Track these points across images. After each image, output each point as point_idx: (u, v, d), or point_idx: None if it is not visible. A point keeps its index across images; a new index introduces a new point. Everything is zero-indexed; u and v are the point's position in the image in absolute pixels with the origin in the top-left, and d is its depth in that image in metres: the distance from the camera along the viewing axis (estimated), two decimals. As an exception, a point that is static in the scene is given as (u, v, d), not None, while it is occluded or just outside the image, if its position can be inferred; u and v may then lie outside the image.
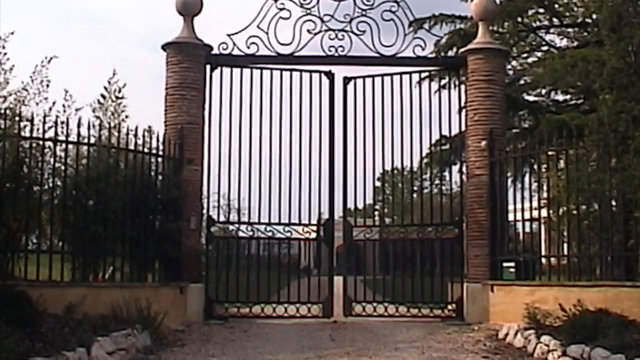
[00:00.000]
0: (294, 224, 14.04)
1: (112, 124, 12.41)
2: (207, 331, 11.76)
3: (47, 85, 11.25)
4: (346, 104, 14.23)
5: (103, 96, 12.85)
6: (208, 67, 13.95)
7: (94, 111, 12.66)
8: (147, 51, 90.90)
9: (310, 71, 14.22)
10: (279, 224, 13.96)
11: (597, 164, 11.90)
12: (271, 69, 14.10)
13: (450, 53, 20.36)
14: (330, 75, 14.26)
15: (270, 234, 13.95)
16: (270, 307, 13.64)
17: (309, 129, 14.11)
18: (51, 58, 11.37)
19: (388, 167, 14.70)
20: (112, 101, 12.86)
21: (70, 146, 11.24)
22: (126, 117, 12.93)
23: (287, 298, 13.89)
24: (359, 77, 14.32)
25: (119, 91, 12.91)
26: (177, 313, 12.30)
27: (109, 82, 12.89)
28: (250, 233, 13.87)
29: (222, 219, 13.96)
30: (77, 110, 11.55)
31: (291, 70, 14.18)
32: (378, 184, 16.04)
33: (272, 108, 14.03)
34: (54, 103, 11.31)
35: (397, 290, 14.07)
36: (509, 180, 14.19)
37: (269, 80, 14.09)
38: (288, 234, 14.07)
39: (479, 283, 13.13)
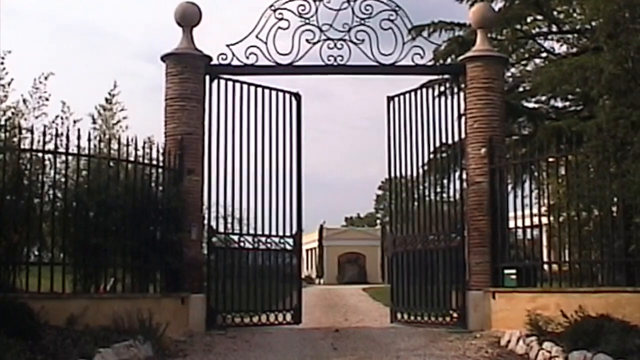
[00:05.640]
0: (288, 236, 14.33)
1: (113, 135, 12.45)
2: (209, 341, 11.76)
3: (47, 99, 11.31)
4: (389, 120, 14.82)
5: (103, 107, 12.89)
6: (207, 77, 13.98)
7: (94, 122, 12.73)
8: (144, 62, 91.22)
9: (284, 91, 14.63)
10: (277, 235, 14.26)
11: (597, 170, 11.89)
12: (255, 86, 14.35)
13: (448, 60, 20.35)
14: (297, 97, 14.69)
15: (269, 245, 14.19)
16: (256, 316, 13.97)
17: (282, 143, 14.50)
18: (48, 75, 11.43)
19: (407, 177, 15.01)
20: (111, 112, 12.91)
21: (70, 158, 11.27)
22: (126, 127, 13.04)
23: (269, 307, 14.10)
24: (398, 94, 14.80)
25: (111, 102, 12.98)
26: (179, 323, 12.30)
27: (110, 94, 12.97)
28: (242, 244, 14.01)
29: (221, 229, 13.96)
30: (75, 122, 11.60)
31: (270, 88, 14.50)
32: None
33: (257, 123, 14.32)
34: (56, 117, 11.36)
35: (416, 298, 14.15)
36: (509, 187, 14.19)
37: (253, 95, 14.37)
38: (282, 245, 14.33)
39: (481, 290, 13.13)
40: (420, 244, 14.31)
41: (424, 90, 14.66)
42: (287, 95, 14.67)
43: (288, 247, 14.40)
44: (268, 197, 14.20)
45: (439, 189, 14.87)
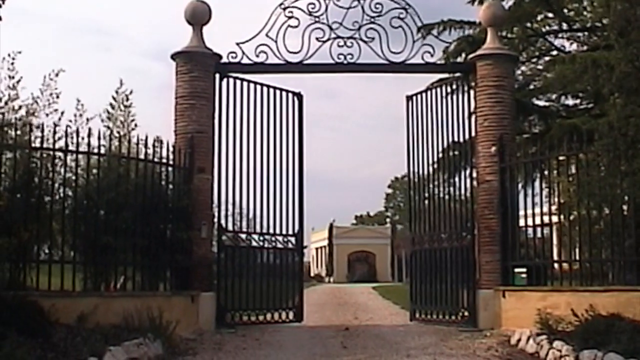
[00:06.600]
0: (291, 235, 14.41)
1: (122, 134, 12.47)
2: (219, 339, 11.78)
3: (57, 97, 11.30)
4: (409, 119, 14.86)
5: (112, 105, 12.89)
6: (217, 75, 13.99)
7: (102, 121, 12.74)
8: (152, 61, 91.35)
9: (287, 91, 14.67)
10: (281, 234, 14.33)
11: (608, 169, 11.84)
12: (260, 84, 14.38)
13: (458, 59, 20.29)
14: (299, 96, 14.70)
15: (274, 243, 14.26)
16: (262, 314, 14.09)
17: (285, 142, 14.55)
18: (59, 72, 11.42)
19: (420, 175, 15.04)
20: (121, 110, 12.91)
21: (80, 156, 11.30)
22: (135, 125, 13.02)
23: (273, 305, 14.19)
24: (416, 94, 14.82)
25: (127, 99, 12.97)
26: (189, 322, 12.32)
27: (117, 92, 12.96)
28: (249, 242, 14.09)
29: (230, 227, 13.96)
30: (88, 120, 11.64)
31: (273, 88, 14.53)
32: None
33: (263, 122, 14.36)
34: (62, 113, 11.35)
35: (432, 296, 14.19)
36: (520, 186, 14.15)
37: (259, 94, 14.40)
38: (286, 244, 14.39)
39: (491, 289, 13.10)
40: (437, 242, 14.31)
41: (441, 88, 14.64)
42: (290, 95, 14.68)
43: (291, 245, 14.45)
44: (272, 195, 14.25)
45: (451, 188, 14.87)
